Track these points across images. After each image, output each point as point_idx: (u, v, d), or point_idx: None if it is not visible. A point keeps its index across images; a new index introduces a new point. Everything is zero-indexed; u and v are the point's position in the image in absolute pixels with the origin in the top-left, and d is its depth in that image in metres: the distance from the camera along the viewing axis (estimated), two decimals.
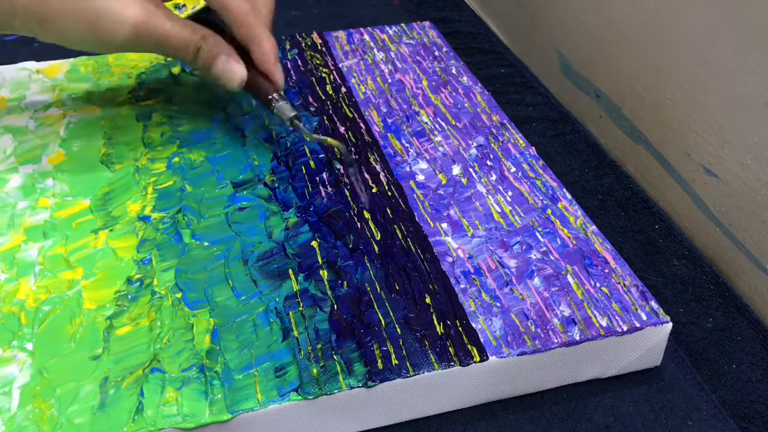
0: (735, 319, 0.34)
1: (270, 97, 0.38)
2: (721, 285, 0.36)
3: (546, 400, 0.30)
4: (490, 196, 0.36)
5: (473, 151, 0.40)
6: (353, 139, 0.41)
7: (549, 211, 0.35)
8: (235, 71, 0.37)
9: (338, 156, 0.37)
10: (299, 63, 0.48)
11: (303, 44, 0.51)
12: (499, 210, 0.35)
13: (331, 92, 0.45)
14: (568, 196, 0.36)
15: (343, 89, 0.45)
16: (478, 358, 0.28)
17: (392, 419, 0.29)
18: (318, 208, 0.35)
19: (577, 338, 0.29)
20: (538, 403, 0.30)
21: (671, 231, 0.39)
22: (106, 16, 0.33)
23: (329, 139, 0.36)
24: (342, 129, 0.41)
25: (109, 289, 0.31)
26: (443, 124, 0.42)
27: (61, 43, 0.35)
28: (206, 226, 0.34)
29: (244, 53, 0.38)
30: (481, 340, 0.29)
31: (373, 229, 0.34)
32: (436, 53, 0.50)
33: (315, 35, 0.52)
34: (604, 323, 0.30)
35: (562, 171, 0.43)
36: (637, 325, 0.29)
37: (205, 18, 0.40)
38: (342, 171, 0.37)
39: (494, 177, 0.38)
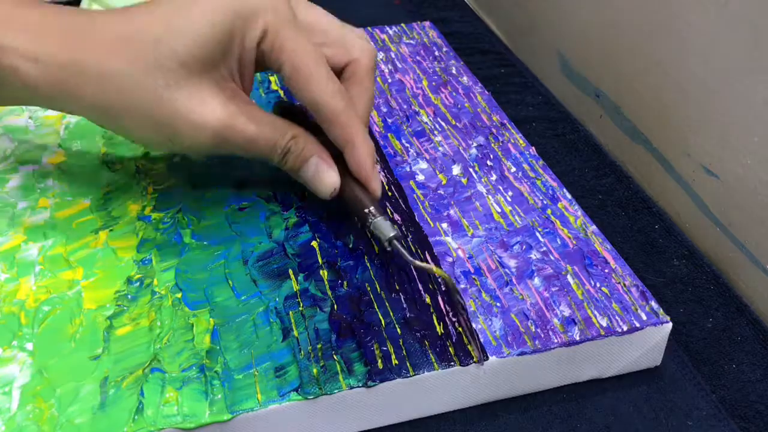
0: (735, 319, 0.34)
1: (366, 211, 0.31)
2: (721, 285, 0.36)
3: (546, 400, 0.30)
4: (490, 196, 0.36)
5: (473, 151, 0.40)
6: None
7: (549, 211, 0.35)
8: (325, 178, 0.32)
9: (450, 290, 0.30)
10: None
11: None
12: (499, 210, 0.35)
13: None
14: (568, 196, 0.36)
15: None
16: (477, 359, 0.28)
17: (392, 419, 0.29)
18: (318, 208, 0.35)
19: (577, 338, 0.29)
20: (538, 403, 0.30)
21: (671, 231, 0.39)
22: (185, 118, 0.29)
23: (435, 268, 0.29)
24: None
25: (109, 289, 0.31)
26: (443, 124, 0.42)
27: (133, 141, 0.31)
28: (206, 226, 0.34)
29: (340, 155, 0.33)
30: (481, 340, 0.29)
31: None
32: (436, 53, 0.50)
33: None
34: (604, 323, 0.30)
35: (562, 171, 0.43)
36: (637, 325, 0.29)
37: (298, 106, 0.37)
38: (448, 305, 0.30)
39: (494, 177, 0.38)
